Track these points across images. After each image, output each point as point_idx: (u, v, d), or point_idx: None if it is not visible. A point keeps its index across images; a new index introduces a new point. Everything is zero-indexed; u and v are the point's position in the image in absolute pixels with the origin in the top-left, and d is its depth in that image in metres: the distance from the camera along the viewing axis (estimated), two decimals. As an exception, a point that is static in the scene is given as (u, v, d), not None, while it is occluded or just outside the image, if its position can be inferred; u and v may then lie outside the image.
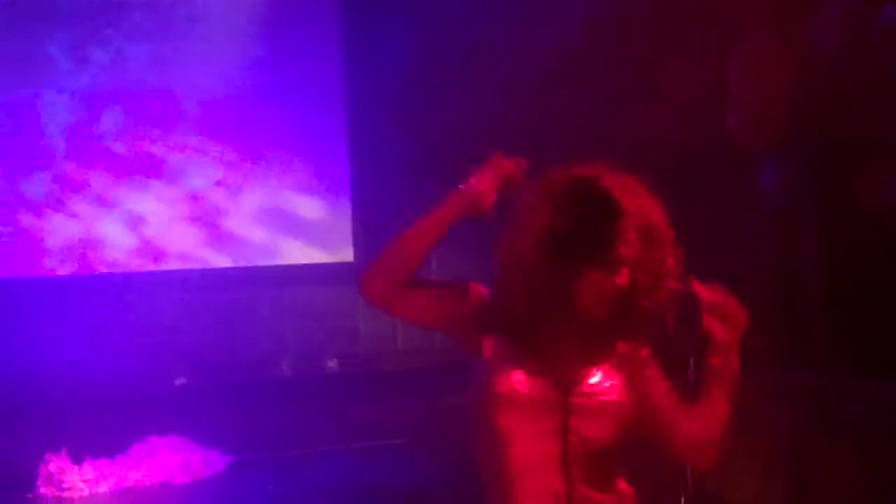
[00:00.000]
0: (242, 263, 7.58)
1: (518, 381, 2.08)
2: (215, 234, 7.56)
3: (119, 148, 7.25)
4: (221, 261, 7.58)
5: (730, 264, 2.94)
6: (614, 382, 2.12)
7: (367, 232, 7.80)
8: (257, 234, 7.67)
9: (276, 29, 7.63)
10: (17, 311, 6.92)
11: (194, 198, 7.39)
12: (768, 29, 6.08)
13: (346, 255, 7.73)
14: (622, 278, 2.05)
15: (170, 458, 6.02)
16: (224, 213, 7.52)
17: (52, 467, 5.82)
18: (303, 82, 7.70)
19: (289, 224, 7.72)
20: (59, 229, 7.11)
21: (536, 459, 2.08)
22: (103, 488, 5.81)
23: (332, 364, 7.63)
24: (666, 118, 6.14)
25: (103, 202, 7.16)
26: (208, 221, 7.49)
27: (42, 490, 5.72)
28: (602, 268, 2.05)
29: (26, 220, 7.04)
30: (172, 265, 7.40)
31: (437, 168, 7.32)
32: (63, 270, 7.15)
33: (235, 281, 7.53)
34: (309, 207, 7.79)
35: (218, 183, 7.47)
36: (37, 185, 7.04)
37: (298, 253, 7.73)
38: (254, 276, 7.62)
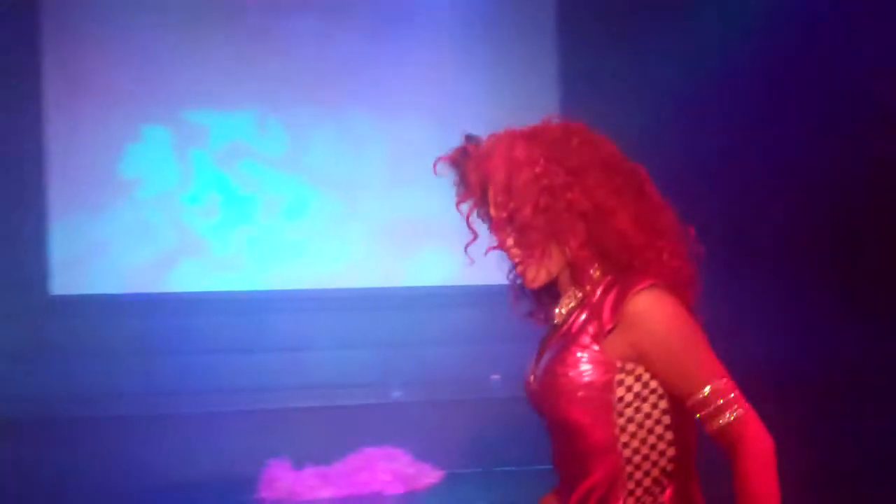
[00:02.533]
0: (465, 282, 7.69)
1: None
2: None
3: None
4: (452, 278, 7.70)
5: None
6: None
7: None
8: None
9: (494, 68, 7.78)
10: (245, 321, 7.31)
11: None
12: None
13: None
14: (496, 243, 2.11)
15: (384, 469, 6.14)
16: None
17: (274, 472, 6.04)
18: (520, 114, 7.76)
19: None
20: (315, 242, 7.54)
21: None
22: (322, 495, 5.98)
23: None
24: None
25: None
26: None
27: (264, 494, 5.94)
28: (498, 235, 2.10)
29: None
30: (401, 281, 7.59)
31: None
32: (300, 284, 7.50)
33: (456, 299, 7.62)
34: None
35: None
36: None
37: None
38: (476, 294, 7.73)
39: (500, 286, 2.28)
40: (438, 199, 2.25)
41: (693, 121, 7.62)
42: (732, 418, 1.95)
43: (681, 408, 2.00)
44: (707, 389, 1.96)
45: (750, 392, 2.01)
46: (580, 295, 2.09)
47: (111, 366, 7.28)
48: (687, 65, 7.47)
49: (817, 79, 6.96)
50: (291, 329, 7.45)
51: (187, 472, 6.06)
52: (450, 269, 7.44)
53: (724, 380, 1.97)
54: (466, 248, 2.14)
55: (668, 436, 2.03)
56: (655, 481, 2.03)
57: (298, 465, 6.13)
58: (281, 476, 6.01)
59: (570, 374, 2.03)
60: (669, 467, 2.03)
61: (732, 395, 1.96)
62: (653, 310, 1.99)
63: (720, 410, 1.95)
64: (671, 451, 2.03)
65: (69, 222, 7.43)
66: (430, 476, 6.21)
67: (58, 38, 7.38)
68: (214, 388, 7.09)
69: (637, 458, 2.02)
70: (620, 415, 2.01)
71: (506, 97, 7.63)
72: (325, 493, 5.99)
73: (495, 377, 7.30)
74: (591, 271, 2.09)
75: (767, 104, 7.54)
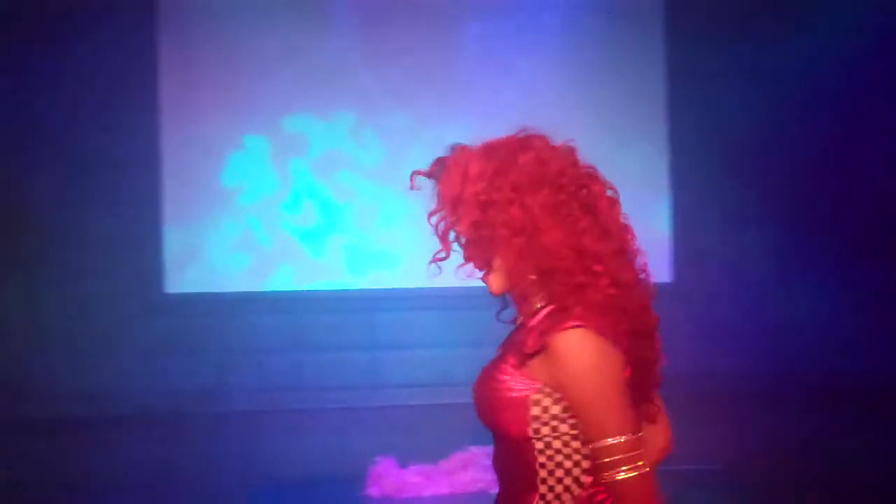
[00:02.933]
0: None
1: None
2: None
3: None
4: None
5: None
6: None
7: (687, 253, 7.73)
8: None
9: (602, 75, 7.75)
10: (352, 319, 7.44)
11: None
12: None
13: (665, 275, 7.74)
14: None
15: (489, 468, 6.16)
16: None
17: (381, 470, 6.14)
18: (628, 119, 7.74)
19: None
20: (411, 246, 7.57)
21: None
22: (427, 493, 6.05)
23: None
24: None
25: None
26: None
27: (371, 490, 5.99)
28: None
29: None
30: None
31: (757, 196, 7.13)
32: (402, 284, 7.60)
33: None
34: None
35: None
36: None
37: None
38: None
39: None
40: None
41: (804, 118, 7.51)
42: (619, 478, 1.95)
43: None
44: (604, 442, 1.96)
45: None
46: (536, 308, 2.10)
47: (222, 361, 7.52)
48: (797, 61, 7.36)
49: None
50: (397, 328, 7.57)
51: (296, 467, 6.19)
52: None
53: (625, 437, 1.96)
54: (435, 260, 2.14)
55: (585, 464, 2.04)
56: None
57: (404, 462, 6.22)
58: (387, 473, 6.09)
59: (498, 383, 2.07)
60: (583, 494, 2.04)
61: (630, 454, 1.95)
62: (572, 353, 1.99)
63: (610, 466, 1.96)
64: (586, 479, 2.04)
65: (180, 225, 7.70)
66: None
67: (172, 48, 7.64)
68: (323, 386, 7.24)
69: (551, 480, 2.05)
70: (537, 432, 2.03)
71: (613, 103, 7.63)
72: (430, 490, 6.05)
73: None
74: (535, 297, 2.09)
75: (880, 103, 7.38)
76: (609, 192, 2.12)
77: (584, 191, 2.09)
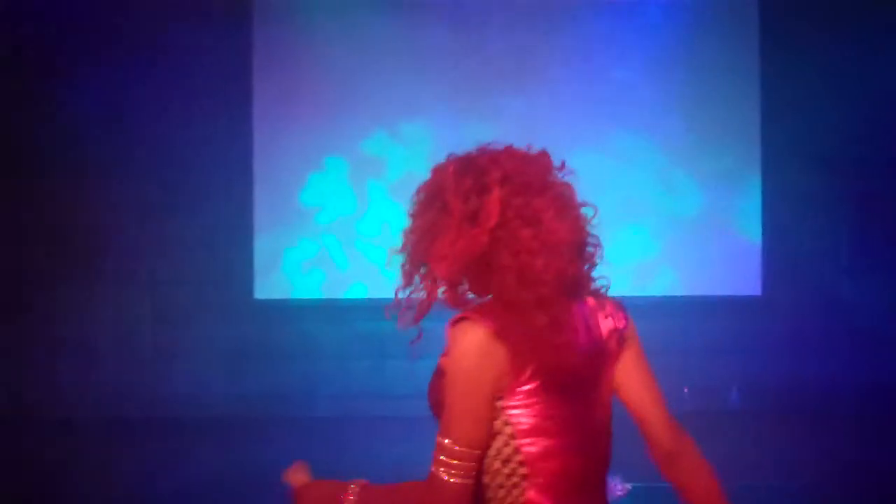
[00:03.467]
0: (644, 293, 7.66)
1: None
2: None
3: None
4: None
5: None
6: None
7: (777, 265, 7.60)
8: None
9: (696, 73, 7.67)
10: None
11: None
12: None
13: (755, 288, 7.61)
14: None
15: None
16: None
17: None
18: (721, 121, 7.65)
19: (696, 254, 7.69)
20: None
21: None
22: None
23: (734, 397, 7.47)
24: None
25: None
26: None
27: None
28: None
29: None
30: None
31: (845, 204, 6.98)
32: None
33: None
34: (718, 238, 7.71)
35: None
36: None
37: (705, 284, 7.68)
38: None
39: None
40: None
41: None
42: (432, 471, 2.05)
43: (537, 441, 2.08)
44: (439, 437, 2.06)
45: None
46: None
47: (309, 367, 7.62)
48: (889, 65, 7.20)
49: None
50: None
51: (375, 473, 6.23)
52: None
53: (450, 441, 2.03)
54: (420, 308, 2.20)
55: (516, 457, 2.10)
56: None
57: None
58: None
59: (431, 380, 2.18)
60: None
61: (449, 461, 2.02)
62: (450, 342, 2.07)
63: (434, 458, 2.06)
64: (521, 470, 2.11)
65: (269, 234, 7.81)
66: (619, 489, 6.18)
67: (266, 63, 7.76)
68: (408, 393, 7.27)
69: (486, 478, 2.12)
70: None
71: (704, 107, 7.55)
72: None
73: (686, 390, 7.20)
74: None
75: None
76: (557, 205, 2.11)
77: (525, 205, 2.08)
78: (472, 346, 2.03)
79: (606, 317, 2.24)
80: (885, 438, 6.35)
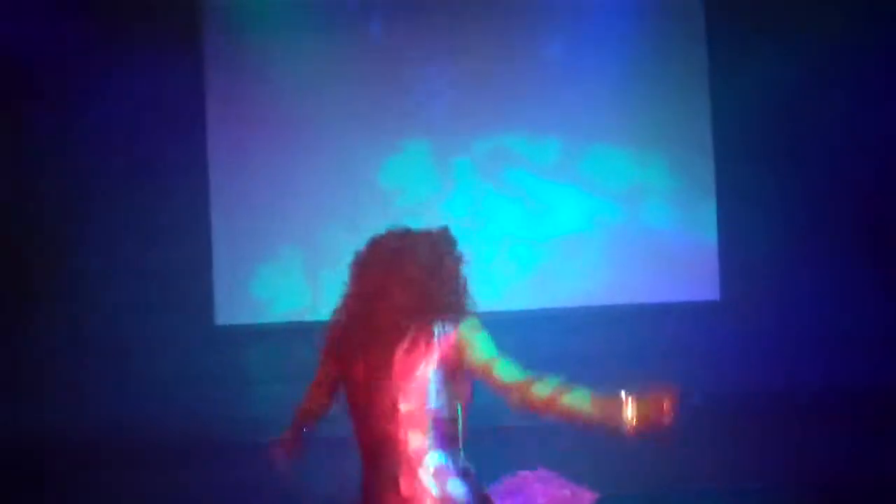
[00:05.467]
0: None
1: None
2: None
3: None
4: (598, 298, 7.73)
5: None
6: None
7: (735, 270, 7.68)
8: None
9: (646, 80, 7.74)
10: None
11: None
12: None
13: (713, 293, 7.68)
14: None
15: (540, 492, 6.15)
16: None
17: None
18: (673, 128, 7.73)
19: (655, 260, 7.75)
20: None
21: None
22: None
23: (696, 401, 7.53)
24: None
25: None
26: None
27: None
28: None
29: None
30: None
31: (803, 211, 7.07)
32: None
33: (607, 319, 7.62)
34: (675, 246, 7.77)
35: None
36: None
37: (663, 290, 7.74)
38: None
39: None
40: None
41: (855, 125, 7.44)
42: None
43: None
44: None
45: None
46: None
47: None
48: (848, 64, 7.30)
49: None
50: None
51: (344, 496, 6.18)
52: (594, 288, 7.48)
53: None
54: None
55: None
56: None
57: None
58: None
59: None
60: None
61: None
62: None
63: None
64: None
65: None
66: (586, 499, 6.19)
67: (219, 91, 7.75)
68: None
69: None
70: None
71: (657, 112, 7.61)
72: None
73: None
74: None
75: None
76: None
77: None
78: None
79: None
80: (847, 439, 6.43)
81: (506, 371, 3.10)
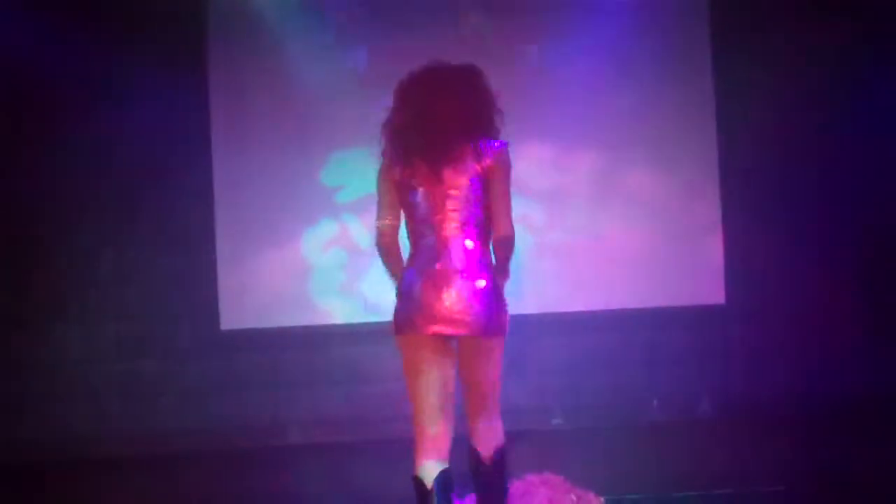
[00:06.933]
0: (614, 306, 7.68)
1: None
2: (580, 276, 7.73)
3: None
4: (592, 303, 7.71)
5: None
6: None
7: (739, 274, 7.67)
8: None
9: (647, 83, 7.72)
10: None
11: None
12: None
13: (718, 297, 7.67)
14: None
15: (545, 496, 6.13)
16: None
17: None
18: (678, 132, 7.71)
19: (658, 266, 7.73)
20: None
21: None
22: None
23: (704, 407, 7.52)
24: None
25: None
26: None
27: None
28: None
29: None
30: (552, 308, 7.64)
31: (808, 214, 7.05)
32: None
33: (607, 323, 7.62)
34: (680, 250, 7.75)
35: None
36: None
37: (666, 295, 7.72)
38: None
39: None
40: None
41: (864, 134, 7.43)
42: None
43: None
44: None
45: None
46: None
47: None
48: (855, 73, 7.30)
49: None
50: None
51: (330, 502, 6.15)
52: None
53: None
54: None
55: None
56: None
57: (461, 491, 6.19)
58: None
59: None
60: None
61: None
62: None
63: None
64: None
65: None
66: (592, 502, 6.18)
67: (224, 95, 7.74)
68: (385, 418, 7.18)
69: None
70: None
71: (662, 116, 7.58)
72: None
73: (655, 402, 7.24)
74: None
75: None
76: None
77: None
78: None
79: None
80: (854, 444, 6.42)
81: (502, 208, 3.86)
